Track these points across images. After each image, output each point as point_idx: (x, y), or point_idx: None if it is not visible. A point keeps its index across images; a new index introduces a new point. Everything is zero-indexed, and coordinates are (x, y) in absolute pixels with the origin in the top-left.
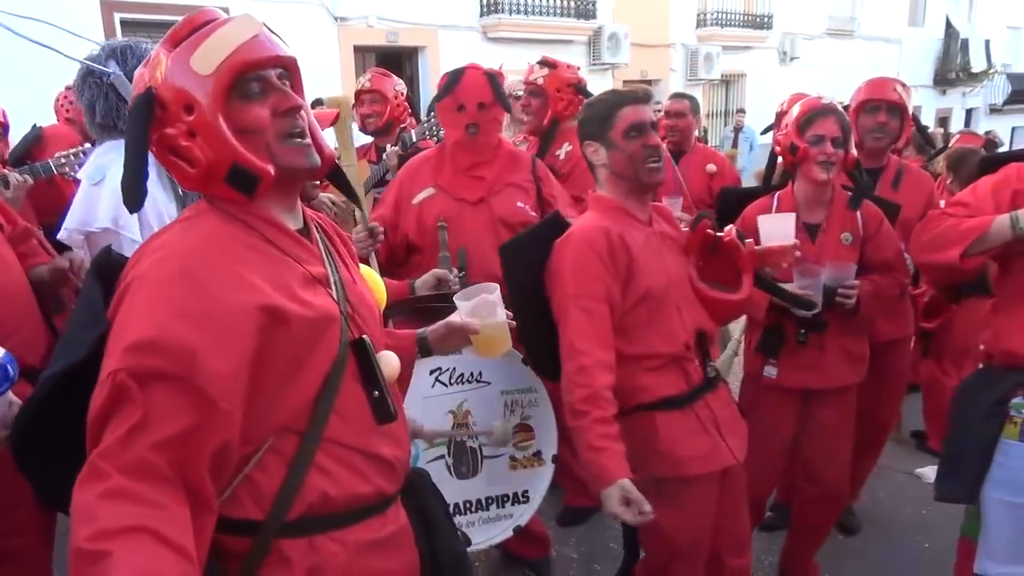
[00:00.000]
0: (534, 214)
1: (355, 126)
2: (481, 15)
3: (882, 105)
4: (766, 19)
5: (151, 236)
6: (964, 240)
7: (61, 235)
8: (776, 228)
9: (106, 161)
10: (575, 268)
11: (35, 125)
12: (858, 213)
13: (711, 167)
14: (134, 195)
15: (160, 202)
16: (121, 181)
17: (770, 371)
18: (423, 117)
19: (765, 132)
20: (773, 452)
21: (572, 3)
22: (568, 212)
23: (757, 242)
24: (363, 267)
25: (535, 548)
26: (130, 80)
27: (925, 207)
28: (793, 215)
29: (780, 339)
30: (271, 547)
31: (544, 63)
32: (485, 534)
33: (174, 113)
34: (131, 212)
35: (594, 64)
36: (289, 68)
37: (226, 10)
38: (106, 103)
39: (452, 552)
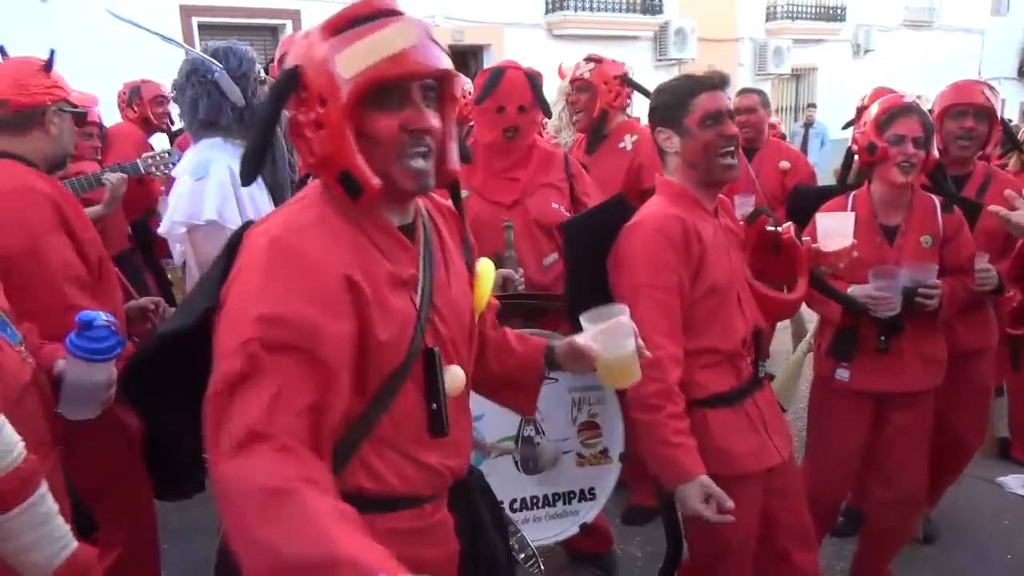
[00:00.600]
0: (568, 214)
1: None
2: (546, 12)
3: (969, 110)
4: (839, 11)
5: (268, 214)
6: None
7: (163, 228)
8: (834, 227)
9: (208, 157)
10: (648, 256)
11: (101, 125)
12: (939, 215)
13: (784, 164)
14: (251, 166)
15: (255, 193)
16: (244, 151)
17: (842, 374)
18: None
19: (846, 127)
20: (845, 456)
21: None
22: None
23: (815, 240)
24: (484, 262)
25: (598, 543)
26: (234, 81)
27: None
28: (852, 214)
29: (854, 342)
30: None
31: (590, 59)
32: (551, 530)
33: (310, 100)
34: (244, 184)
35: (660, 60)
36: (439, 79)
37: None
38: (209, 101)
39: (494, 552)
